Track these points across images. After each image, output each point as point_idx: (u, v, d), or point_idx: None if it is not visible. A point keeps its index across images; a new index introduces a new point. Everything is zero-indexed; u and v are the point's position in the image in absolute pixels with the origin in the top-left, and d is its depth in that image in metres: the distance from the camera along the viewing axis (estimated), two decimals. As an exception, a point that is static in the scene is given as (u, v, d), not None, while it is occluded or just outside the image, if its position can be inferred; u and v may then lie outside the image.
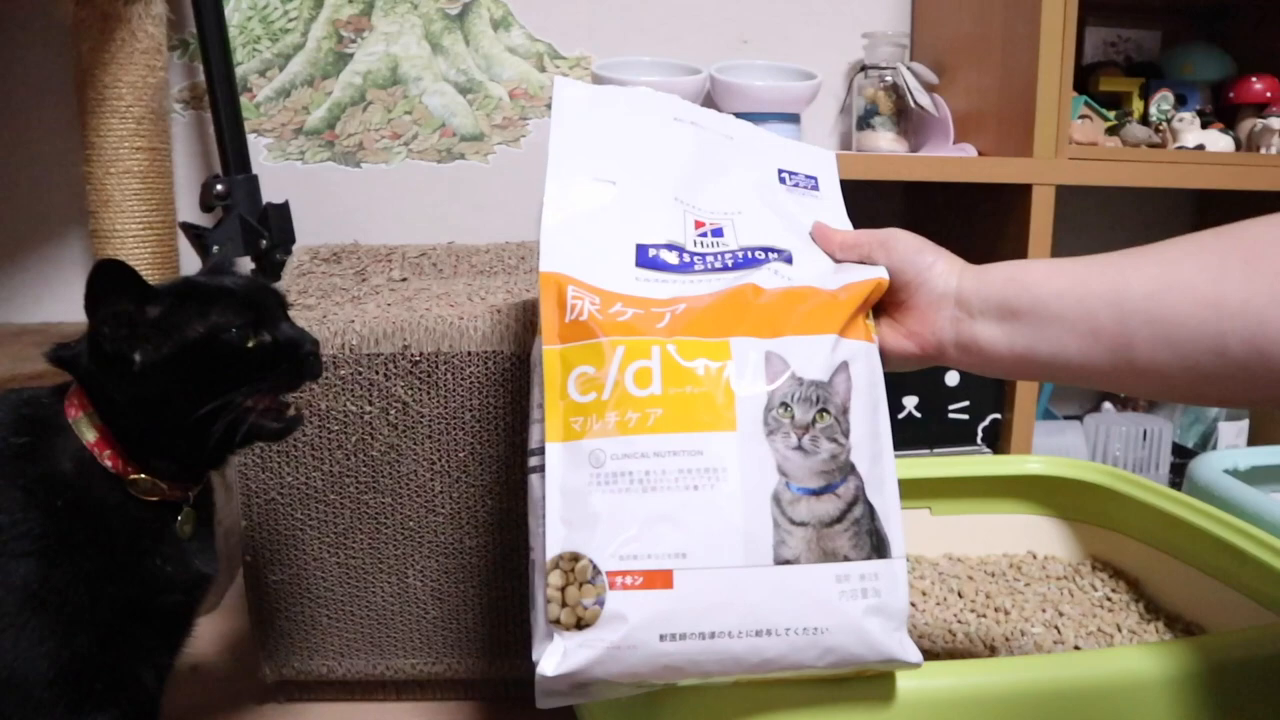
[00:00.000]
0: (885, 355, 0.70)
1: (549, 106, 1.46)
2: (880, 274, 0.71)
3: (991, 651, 0.94)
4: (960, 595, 1.06)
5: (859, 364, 0.68)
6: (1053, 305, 0.66)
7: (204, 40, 1.26)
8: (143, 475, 0.70)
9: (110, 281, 0.64)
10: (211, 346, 0.69)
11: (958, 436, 1.28)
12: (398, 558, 0.95)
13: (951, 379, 1.28)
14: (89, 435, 0.69)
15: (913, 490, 1.11)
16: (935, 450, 1.27)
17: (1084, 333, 0.65)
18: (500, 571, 0.95)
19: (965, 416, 1.28)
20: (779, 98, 1.38)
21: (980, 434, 1.28)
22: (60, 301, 1.45)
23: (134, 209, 1.26)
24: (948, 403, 1.27)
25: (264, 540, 0.95)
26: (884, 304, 0.72)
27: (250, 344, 0.70)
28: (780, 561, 0.63)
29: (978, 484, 1.13)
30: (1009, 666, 0.72)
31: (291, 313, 0.93)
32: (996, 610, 1.02)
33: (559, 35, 1.46)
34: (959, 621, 1.01)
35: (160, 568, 0.72)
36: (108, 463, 0.69)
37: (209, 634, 1.19)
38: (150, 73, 1.25)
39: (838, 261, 0.74)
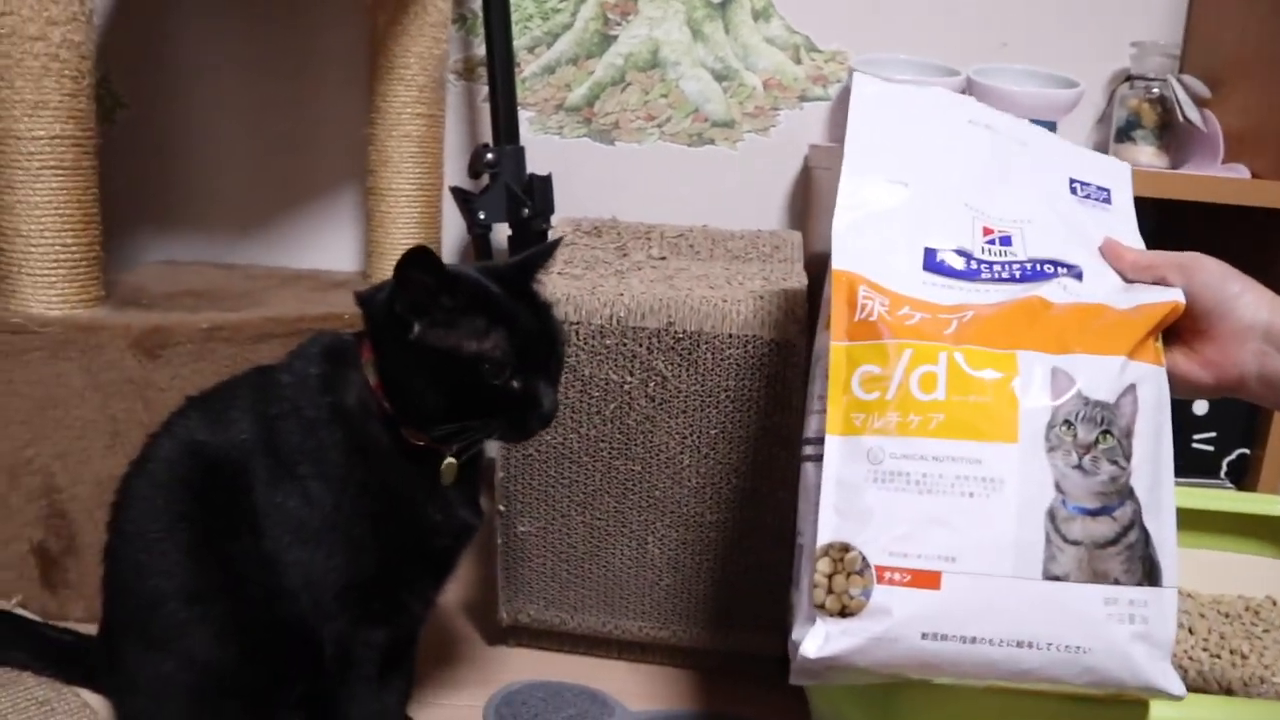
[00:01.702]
0: (1176, 382, 0.69)
1: (801, 98, 1.48)
2: (1177, 297, 0.69)
3: (1228, 694, 0.91)
4: (1191, 632, 1.02)
5: (1146, 387, 0.67)
6: None
7: (488, 16, 1.33)
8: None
9: (425, 260, 0.70)
10: (468, 368, 0.73)
11: (1200, 468, 1.23)
12: (640, 524, 1.00)
13: (1200, 408, 1.23)
14: (372, 376, 0.76)
15: (1149, 519, 1.07)
16: (1174, 480, 1.22)
17: None
18: (737, 548, 0.99)
19: (1210, 448, 1.23)
20: (1038, 104, 1.35)
21: (1225, 468, 1.23)
22: (330, 251, 1.58)
23: (409, 170, 1.35)
24: (1193, 432, 1.22)
25: (517, 493, 1.02)
26: (1179, 329, 0.71)
27: (497, 383, 0.73)
28: (1049, 577, 0.64)
29: (1218, 520, 1.09)
30: (1277, 709, 0.70)
31: (560, 281, 0.99)
32: (1232, 653, 0.98)
33: (817, 28, 1.47)
34: (1190, 659, 0.98)
35: (431, 515, 0.79)
36: (384, 404, 0.76)
37: (448, 572, 1.28)
38: (435, 44, 1.34)
39: (1128, 281, 0.72)
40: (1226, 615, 1.06)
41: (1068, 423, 0.65)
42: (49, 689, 0.94)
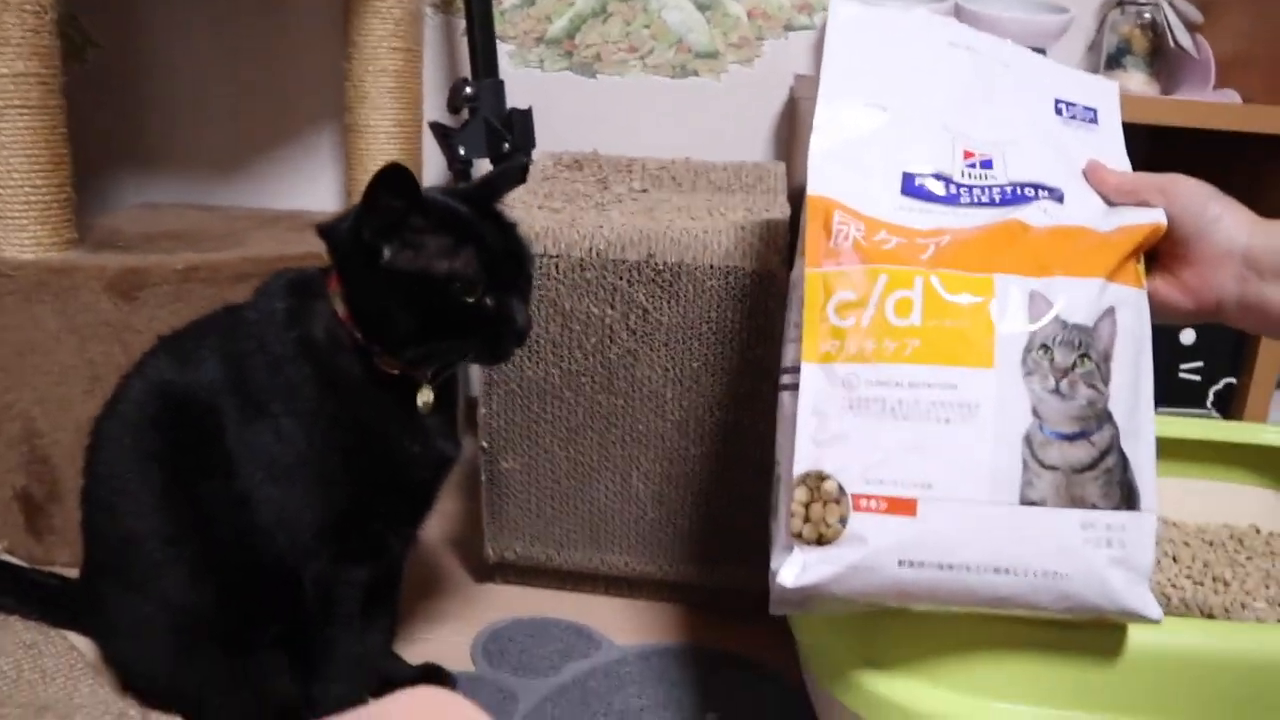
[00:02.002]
0: (1155, 307, 0.68)
1: (786, 28, 1.45)
2: (1158, 218, 0.68)
3: (1209, 619, 0.92)
4: (1175, 560, 1.03)
5: (1126, 311, 0.66)
6: None
7: (463, -53, 1.30)
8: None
9: (395, 180, 0.69)
10: (439, 288, 0.72)
11: (1186, 398, 1.22)
12: (624, 458, 1.00)
13: (1186, 336, 1.22)
14: (340, 307, 0.75)
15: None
16: (1160, 410, 1.22)
17: None
18: (721, 481, 0.99)
19: (1197, 378, 1.22)
20: (1026, 30, 1.33)
21: (1211, 397, 1.23)
22: (310, 191, 1.56)
23: (387, 106, 1.33)
24: (1179, 361, 1.22)
25: (500, 429, 1.01)
26: (1159, 253, 0.70)
27: (470, 301, 0.73)
28: (1026, 502, 0.63)
29: (1203, 449, 1.09)
30: (1256, 633, 0.70)
31: (540, 214, 0.98)
32: (1215, 580, 0.99)
33: (802, -46, 1.44)
34: (1173, 586, 0.98)
35: (407, 447, 0.78)
36: (356, 334, 0.74)
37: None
38: (411, -24, 1.31)
39: (1111, 204, 0.71)
40: (1211, 543, 1.06)
41: (1045, 346, 0.64)
42: (36, 632, 0.94)
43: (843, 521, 0.64)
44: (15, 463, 1.08)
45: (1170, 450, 1.09)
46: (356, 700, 0.83)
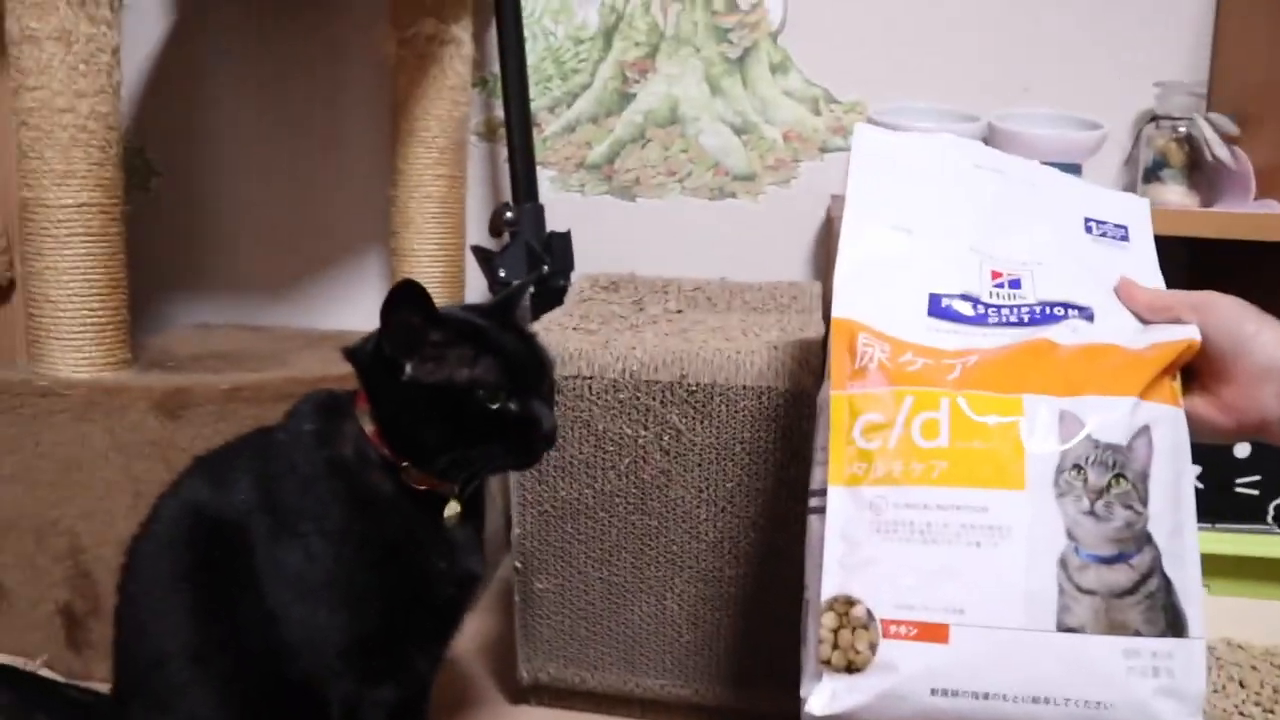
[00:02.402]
0: (1196, 426, 0.66)
1: (821, 150, 1.48)
2: (1191, 334, 0.67)
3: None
4: (1242, 685, 0.98)
5: (1162, 429, 0.64)
6: None
7: (505, 79, 1.36)
8: (411, 465, 0.76)
9: (410, 295, 0.71)
10: (463, 396, 0.73)
11: (1245, 513, 1.18)
12: (658, 579, 0.98)
13: (1241, 450, 1.19)
14: (368, 425, 0.76)
15: (1191, 567, 1.04)
16: (1218, 526, 1.18)
17: None
18: (757, 603, 0.97)
19: (1255, 492, 1.18)
20: (1061, 147, 1.34)
21: (1272, 513, 1.18)
22: (358, 312, 1.60)
23: (431, 231, 1.37)
24: (1235, 475, 1.18)
25: (533, 549, 1.01)
26: (1197, 372, 0.68)
27: (495, 406, 0.74)
28: (1064, 629, 0.61)
29: (1267, 566, 1.05)
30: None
31: (575, 336, 0.99)
32: (1284, 708, 0.94)
33: (835, 80, 1.47)
34: (1240, 714, 0.94)
35: (434, 564, 0.78)
36: (384, 450, 0.76)
37: (468, 630, 1.26)
38: (455, 107, 1.37)
39: (1144, 322, 0.70)
40: None
41: (1077, 467, 0.63)
42: (67, 751, 0.94)
43: (872, 648, 0.62)
44: (60, 577, 1.09)
45: (1232, 568, 1.05)
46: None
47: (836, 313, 0.70)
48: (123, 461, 1.07)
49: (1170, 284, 0.74)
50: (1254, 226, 1.18)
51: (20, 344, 1.12)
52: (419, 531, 0.77)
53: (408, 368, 0.73)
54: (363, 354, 0.76)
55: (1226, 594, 1.06)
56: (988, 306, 0.72)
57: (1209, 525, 1.16)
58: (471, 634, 1.26)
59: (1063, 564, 0.62)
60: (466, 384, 0.73)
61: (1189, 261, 1.51)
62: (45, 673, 1.07)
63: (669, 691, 1.02)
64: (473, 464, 0.75)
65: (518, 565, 1.02)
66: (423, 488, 0.77)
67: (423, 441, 0.74)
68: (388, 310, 0.71)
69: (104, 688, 0.97)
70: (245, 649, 0.75)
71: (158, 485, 1.04)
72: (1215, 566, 1.04)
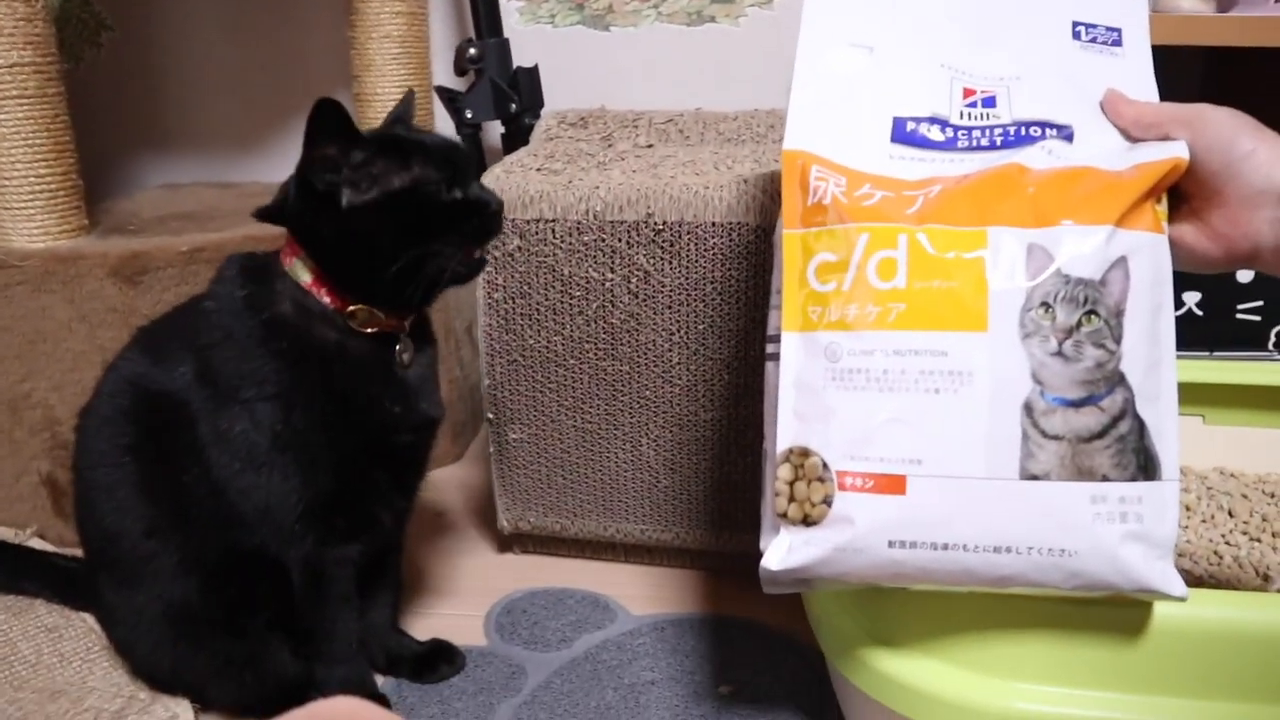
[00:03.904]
0: (1180, 254, 0.62)
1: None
2: (1178, 151, 0.61)
3: (1265, 580, 0.86)
4: (1231, 514, 0.97)
5: (1141, 259, 0.59)
6: None
7: (462, -100, 1.26)
8: (360, 306, 0.74)
9: (324, 121, 0.68)
10: (413, 198, 0.71)
11: (1245, 340, 1.14)
12: (633, 425, 0.96)
13: (1244, 275, 1.14)
14: (304, 276, 0.73)
15: (1184, 395, 0.99)
16: (1216, 354, 1.14)
17: None
18: (734, 446, 0.95)
19: (1257, 318, 1.13)
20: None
21: (1273, 339, 1.14)
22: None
23: (393, 73, 1.30)
24: (1236, 301, 1.13)
25: (505, 399, 0.98)
26: (1185, 194, 0.62)
27: (446, 199, 0.72)
28: (1027, 476, 0.58)
29: (1265, 394, 1.01)
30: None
31: (537, 178, 0.94)
32: (1274, 535, 0.92)
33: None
34: (1227, 543, 0.92)
35: (388, 409, 0.76)
36: (325, 299, 0.73)
37: (453, 482, 1.27)
38: (412, -65, 1.27)
39: (1132, 140, 0.64)
40: (1272, 495, 1.00)
41: (1045, 305, 0.59)
42: (58, 616, 0.95)
43: (828, 501, 0.60)
44: (39, 449, 1.09)
45: (1229, 396, 1.02)
46: (360, 680, 0.82)
47: (788, 144, 0.65)
48: (87, 331, 1.05)
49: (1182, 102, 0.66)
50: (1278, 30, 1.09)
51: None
52: (370, 379, 0.75)
53: (345, 195, 0.70)
54: (283, 204, 0.73)
55: (1222, 422, 1.03)
56: (957, 129, 0.66)
57: (1207, 353, 1.12)
58: (457, 484, 1.27)
59: (1027, 409, 0.58)
60: (410, 186, 0.71)
61: (1205, 74, 1.42)
62: (36, 542, 1.08)
63: (650, 536, 1.01)
64: (429, 270, 0.72)
65: (490, 416, 1.00)
66: (371, 330, 0.74)
67: (375, 264, 0.71)
68: (308, 142, 0.69)
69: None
70: (198, 521, 0.74)
71: (122, 353, 1.04)
72: (1211, 395, 1.00)
